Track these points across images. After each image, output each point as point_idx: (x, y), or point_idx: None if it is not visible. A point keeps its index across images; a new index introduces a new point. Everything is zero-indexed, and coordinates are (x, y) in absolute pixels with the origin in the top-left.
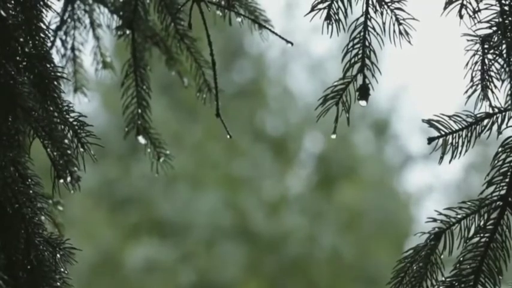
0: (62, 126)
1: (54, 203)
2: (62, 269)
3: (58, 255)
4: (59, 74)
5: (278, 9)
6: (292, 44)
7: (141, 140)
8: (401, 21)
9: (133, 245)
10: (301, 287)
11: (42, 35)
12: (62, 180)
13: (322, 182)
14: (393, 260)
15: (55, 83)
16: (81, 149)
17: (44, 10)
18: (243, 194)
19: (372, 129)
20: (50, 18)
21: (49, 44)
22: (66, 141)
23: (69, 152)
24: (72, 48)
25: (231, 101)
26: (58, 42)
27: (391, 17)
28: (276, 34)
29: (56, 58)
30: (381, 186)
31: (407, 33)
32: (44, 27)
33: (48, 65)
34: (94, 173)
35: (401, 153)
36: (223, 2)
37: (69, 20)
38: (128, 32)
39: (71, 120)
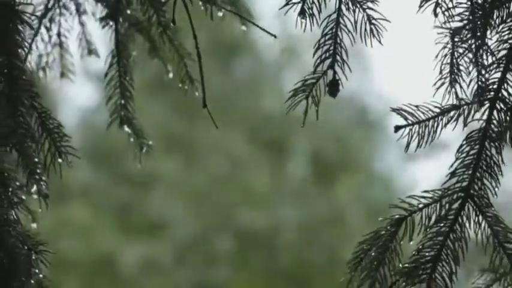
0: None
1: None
2: (37, 270)
3: (33, 257)
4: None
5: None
6: (275, 36)
7: (126, 128)
8: (372, 21)
9: (127, 246)
10: (296, 284)
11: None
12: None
13: (318, 178)
14: None
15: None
16: (59, 159)
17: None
18: (234, 190)
19: (369, 125)
20: (35, 5)
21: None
22: (36, 159)
23: (38, 170)
24: (58, 34)
25: (227, 99)
26: (43, 30)
27: (363, 16)
28: (260, 27)
29: (41, 46)
30: (379, 180)
31: (378, 33)
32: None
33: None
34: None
35: (400, 147)
36: None
37: (55, 6)
38: (111, 23)
39: (50, 127)
